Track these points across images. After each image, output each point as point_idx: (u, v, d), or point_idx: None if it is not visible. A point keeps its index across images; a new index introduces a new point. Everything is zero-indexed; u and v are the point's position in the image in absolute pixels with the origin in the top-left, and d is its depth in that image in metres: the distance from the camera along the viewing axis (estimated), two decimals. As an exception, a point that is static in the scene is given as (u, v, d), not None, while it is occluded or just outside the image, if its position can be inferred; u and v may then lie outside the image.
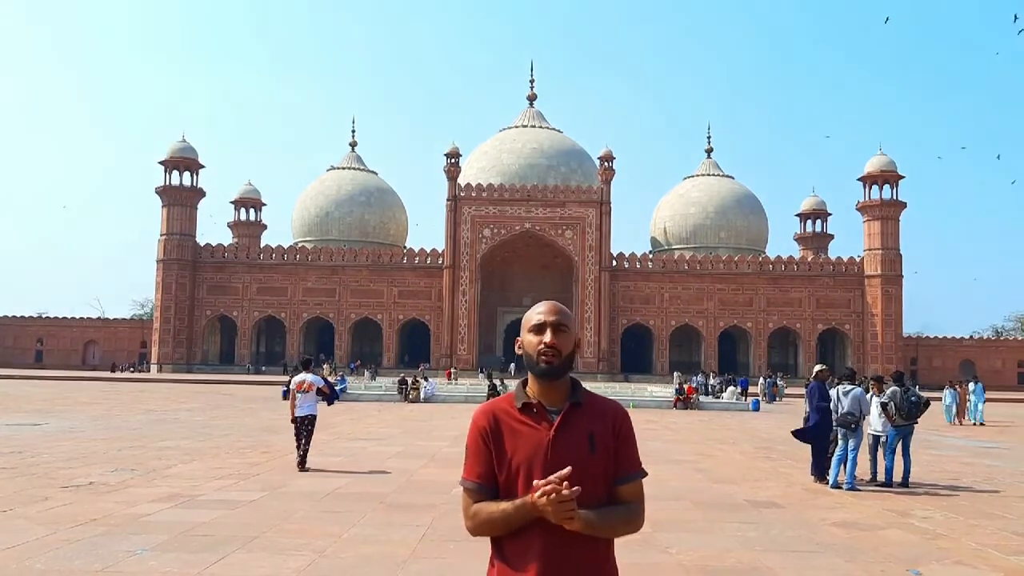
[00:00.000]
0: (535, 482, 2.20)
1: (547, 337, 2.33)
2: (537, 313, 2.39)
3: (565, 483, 2.15)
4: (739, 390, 37.67)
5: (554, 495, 2.14)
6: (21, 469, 11.38)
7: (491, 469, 2.32)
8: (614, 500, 2.32)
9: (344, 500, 9.63)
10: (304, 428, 12.04)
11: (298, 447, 12.09)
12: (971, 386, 27.92)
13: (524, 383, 2.42)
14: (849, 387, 11.94)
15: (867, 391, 13.42)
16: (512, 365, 55.77)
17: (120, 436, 16.34)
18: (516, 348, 2.47)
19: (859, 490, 11.32)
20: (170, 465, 12.16)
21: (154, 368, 61.21)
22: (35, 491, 9.56)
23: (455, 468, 9.52)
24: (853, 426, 11.63)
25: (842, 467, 11.65)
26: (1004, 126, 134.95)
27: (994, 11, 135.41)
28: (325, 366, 49.61)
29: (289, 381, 33.31)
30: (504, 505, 2.25)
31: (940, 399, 27.94)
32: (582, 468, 2.24)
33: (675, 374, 50.08)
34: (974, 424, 26.39)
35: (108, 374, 55.95)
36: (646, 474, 2.40)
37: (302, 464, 11.94)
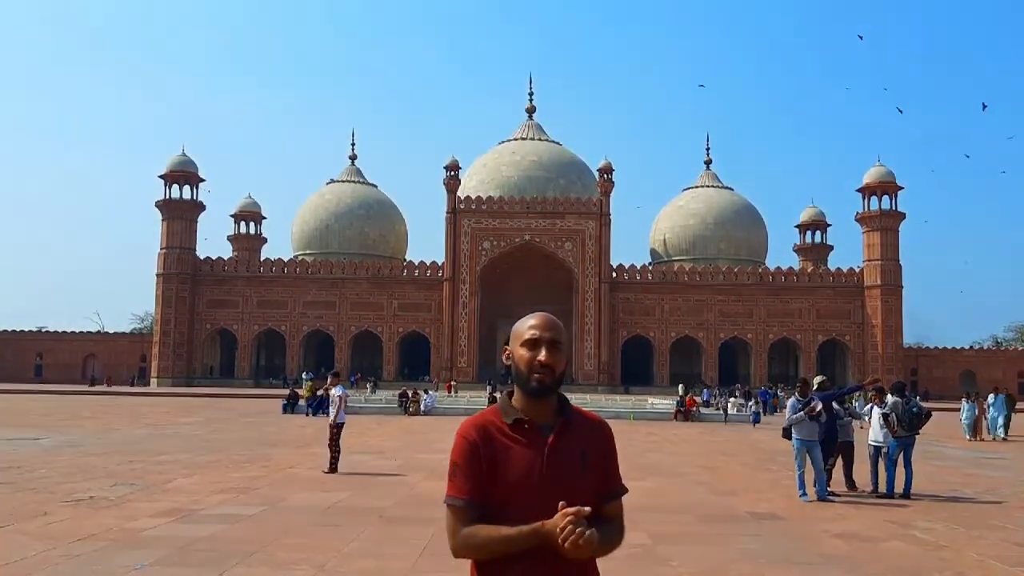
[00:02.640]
0: (561, 503, 2.08)
1: (541, 355, 2.22)
2: (530, 327, 2.27)
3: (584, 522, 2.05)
4: (753, 402, 36.55)
5: (576, 534, 2.02)
6: (20, 484, 11.35)
7: (482, 486, 2.19)
8: (599, 515, 2.22)
9: (344, 514, 9.61)
10: (339, 434, 13.45)
11: (332, 452, 13.32)
12: (990, 398, 25.72)
13: (510, 395, 2.33)
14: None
15: (868, 402, 13.45)
16: None
17: (120, 450, 16.31)
18: (504, 358, 2.34)
19: (829, 500, 11.25)
20: (170, 479, 12.13)
21: (154, 382, 61.08)
22: (34, 506, 9.54)
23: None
24: (787, 436, 11.78)
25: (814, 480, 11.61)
26: (1003, 128, 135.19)
27: (992, 18, 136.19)
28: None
29: (289, 395, 33.64)
30: (507, 531, 2.11)
31: (941, 410, 27.45)
32: (574, 486, 2.19)
33: (680, 386, 49.81)
34: (994, 439, 24.22)
35: (108, 388, 55.78)
36: (627, 490, 2.36)
37: (333, 468, 13.18)
